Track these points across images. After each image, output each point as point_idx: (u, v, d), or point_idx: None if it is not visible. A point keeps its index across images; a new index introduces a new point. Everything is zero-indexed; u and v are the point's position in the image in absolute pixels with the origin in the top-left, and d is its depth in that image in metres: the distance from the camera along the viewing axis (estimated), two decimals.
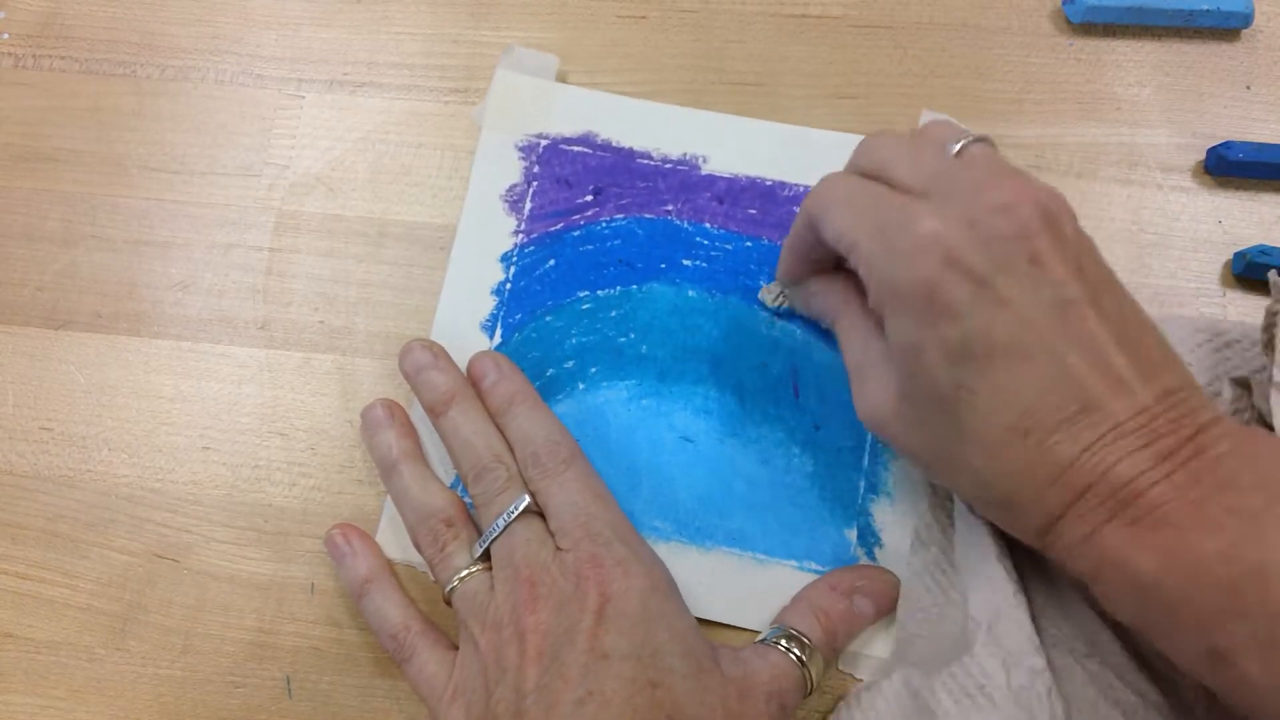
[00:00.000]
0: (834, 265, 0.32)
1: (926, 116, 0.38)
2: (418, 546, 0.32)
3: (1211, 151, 0.37)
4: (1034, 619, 0.27)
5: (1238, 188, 0.37)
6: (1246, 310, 0.36)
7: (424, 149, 0.39)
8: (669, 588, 0.30)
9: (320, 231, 0.38)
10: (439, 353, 0.34)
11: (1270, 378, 0.28)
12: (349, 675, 0.33)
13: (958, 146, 0.27)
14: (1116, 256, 0.36)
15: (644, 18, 0.40)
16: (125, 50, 0.40)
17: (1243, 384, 0.30)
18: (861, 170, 0.29)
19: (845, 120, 0.38)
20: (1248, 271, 0.35)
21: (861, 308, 0.30)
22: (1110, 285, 0.25)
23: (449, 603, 0.31)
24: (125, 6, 0.41)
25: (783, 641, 0.30)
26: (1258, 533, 0.22)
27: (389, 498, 0.34)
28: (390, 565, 0.33)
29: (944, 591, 0.30)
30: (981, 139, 0.28)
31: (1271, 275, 0.30)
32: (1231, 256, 0.36)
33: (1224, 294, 0.36)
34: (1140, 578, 0.23)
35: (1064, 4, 0.39)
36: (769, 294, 0.35)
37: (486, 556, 0.31)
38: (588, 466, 0.32)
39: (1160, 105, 0.38)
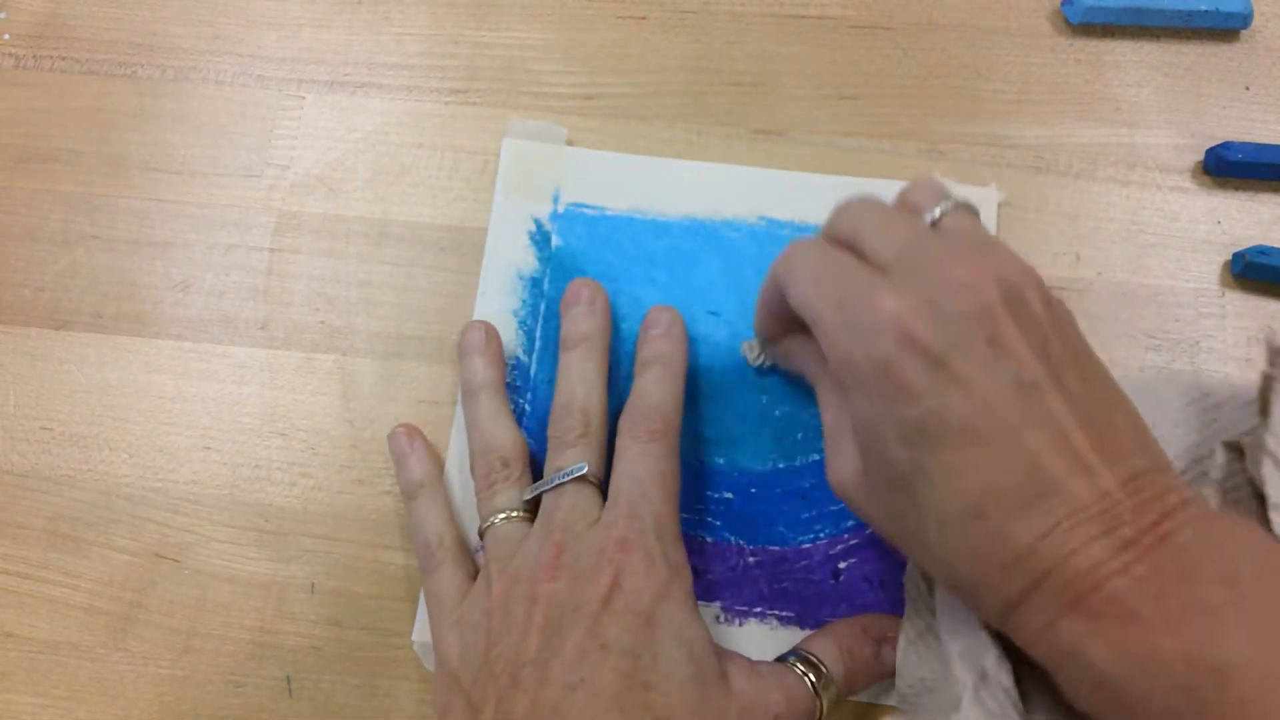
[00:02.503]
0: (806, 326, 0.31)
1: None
2: (473, 475, 0.33)
3: (1210, 152, 0.37)
4: (1018, 682, 0.26)
5: (1237, 188, 0.37)
6: (1245, 311, 0.36)
7: (424, 149, 0.39)
8: (685, 596, 0.29)
9: (321, 232, 0.38)
10: (600, 302, 0.34)
11: (1264, 444, 0.27)
12: (350, 675, 0.33)
13: (934, 215, 0.27)
14: (1115, 257, 0.37)
15: (644, 18, 0.40)
16: (126, 51, 0.40)
17: (1235, 448, 0.29)
18: (833, 236, 0.28)
19: (845, 121, 0.38)
20: (1247, 272, 0.36)
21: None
22: (1078, 364, 0.24)
23: (481, 536, 0.32)
24: (126, 7, 0.41)
25: (800, 666, 0.30)
26: (1216, 630, 0.21)
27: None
28: (442, 474, 0.34)
29: (938, 658, 0.29)
30: (963, 205, 0.27)
31: (1267, 337, 0.28)
32: (1230, 257, 0.36)
33: (1223, 294, 0.36)
34: (1098, 672, 0.22)
35: (1063, 5, 0.39)
36: (750, 351, 0.35)
37: (533, 505, 0.31)
38: (674, 450, 0.31)
39: (1159, 106, 0.38)
